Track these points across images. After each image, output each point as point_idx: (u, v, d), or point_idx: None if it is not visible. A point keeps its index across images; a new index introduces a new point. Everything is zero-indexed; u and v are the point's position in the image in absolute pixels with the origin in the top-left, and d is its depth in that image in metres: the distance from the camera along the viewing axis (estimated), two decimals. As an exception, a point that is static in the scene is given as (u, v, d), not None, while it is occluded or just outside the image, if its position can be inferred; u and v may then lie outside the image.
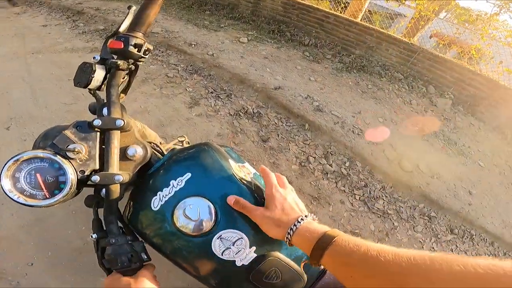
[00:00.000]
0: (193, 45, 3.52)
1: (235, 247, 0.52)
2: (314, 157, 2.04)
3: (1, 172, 0.45)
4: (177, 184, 0.54)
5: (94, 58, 0.57)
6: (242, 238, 0.52)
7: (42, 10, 5.68)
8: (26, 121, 2.24)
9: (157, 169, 0.59)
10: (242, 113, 2.34)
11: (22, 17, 5.34)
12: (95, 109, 0.57)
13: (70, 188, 0.47)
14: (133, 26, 0.57)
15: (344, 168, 2.00)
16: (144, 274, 0.50)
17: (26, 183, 0.46)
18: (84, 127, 0.51)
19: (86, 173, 0.49)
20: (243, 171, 0.62)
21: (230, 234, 0.52)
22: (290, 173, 1.89)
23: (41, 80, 2.84)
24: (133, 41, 0.55)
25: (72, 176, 0.47)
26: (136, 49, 0.56)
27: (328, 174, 1.94)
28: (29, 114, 2.32)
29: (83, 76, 0.54)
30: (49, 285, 1.27)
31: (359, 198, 1.87)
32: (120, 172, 0.51)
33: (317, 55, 3.72)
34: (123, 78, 0.60)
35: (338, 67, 3.43)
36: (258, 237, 0.53)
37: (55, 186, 0.47)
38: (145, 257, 0.52)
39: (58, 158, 0.47)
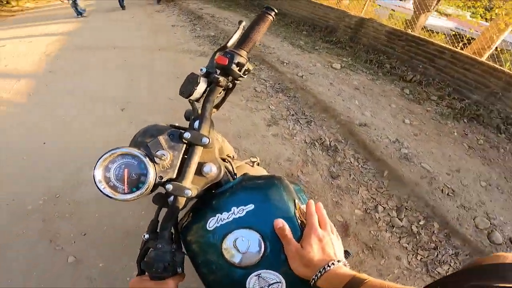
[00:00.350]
0: (285, 64, 3.64)
1: None
2: (384, 207, 1.80)
3: (98, 162, 0.51)
4: (238, 212, 0.55)
5: (201, 70, 0.60)
6: (280, 282, 0.51)
7: (174, 11, 6.90)
8: (137, 107, 2.72)
9: (224, 191, 0.60)
10: (318, 143, 2.26)
11: (160, 15, 6.57)
12: (188, 118, 0.62)
13: (146, 189, 0.51)
14: (240, 43, 0.60)
15: (416, 226, 1.70)
16: (170, 283, 0.51)
17: (114, 175, 0.52)
18: (175, 137, 0.56)
19: (163, 180, 0.53)
20: (303, 212, 0.61)
21: (270, 275, 0.51)
22: (351, 216, 1.71)
23: (159, 74, 3.42)
24: (237, 59, 0.58)
25: (151, 179, 0.51)
26: (238, 68, 0.59)
27: (394, 228, 1.68)
28: (141, 102, 2.82)
29: (188, 86, 0.58)
30: (88, 257, 1.45)
31: (421, 259, 1.56)
32: (190, 187, 0.54)
33: (419, 95, 3.29)
34: (219, 94, 0.63)
35: (443, 112, 2.95)
36: (295, 283, 0.51)
37: (135, 184, 0.51)
38: (180, 270, 0.53)
39: (147, 160, 0.52)
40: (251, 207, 0.56)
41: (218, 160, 0.60)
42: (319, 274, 0.47)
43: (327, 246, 0.52)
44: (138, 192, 0.51)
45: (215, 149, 0.60)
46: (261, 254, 0.52)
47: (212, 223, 0.55)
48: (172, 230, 0.56)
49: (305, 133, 2.38)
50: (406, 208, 1.81)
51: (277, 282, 0.51)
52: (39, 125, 2.39)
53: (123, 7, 7.37)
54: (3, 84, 3.08)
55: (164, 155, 0.53)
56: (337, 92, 3.03)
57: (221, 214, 0.56)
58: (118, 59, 3.85)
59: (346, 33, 5.07)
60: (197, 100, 0.60)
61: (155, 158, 0.53)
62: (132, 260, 1.44)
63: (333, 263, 0.48)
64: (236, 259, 0.52)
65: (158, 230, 0.55)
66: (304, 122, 2.51)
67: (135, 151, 0.52)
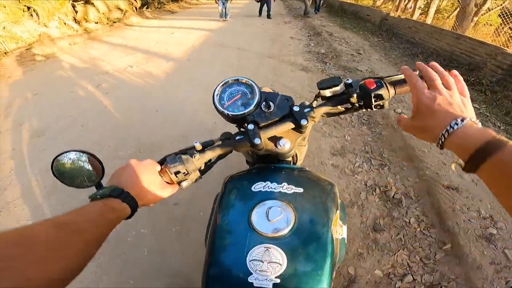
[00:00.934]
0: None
1: (266, 265, 0.50)
2: (415, 279, 1.46)
3: (220, 84, 0.67)
4: (287, 188, 0.59)
5: (347, 80, 0.62)
6: (281, 265, 0.50)
7: (299, 25, 7.40)
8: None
9: (282, 168, 0.67)
10: (380, 190, 2.01)
11: (284, 27, 7.20)
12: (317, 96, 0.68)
13: (248, 111, 0.63)
14: (395, 83, 0.59)
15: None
16: (174, 186, 0.57)
17: (227, 97, 0.67)
18: (285, 104, 0.65)
19: (254, 119, 0.63)
20: (338, 229, 0.62)
21: (277, 254, 0.51)
22: (365, 273, 1.47)
23: (258, 78, 3.83)
24: (382, 91, 0.57)
25: (254, 105, 0.63)
26: (375, 98, 0.58)
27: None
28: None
29: (328, 83, 0.62)
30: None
31: None
32: (261, 142, 0.59)
33: None
34: (340, 107, 0.66)
35: None
36: (289, 280, 0.50)
37: (247, 103, 0.65)
38: (178, 187, 0.59)
39: (258, 88, 0.65)
40: (300, 190, 0.59)
41: (296, 142, 0.67)
42: (446, 133, 0.40)
43: (444, 103, 0.43)
44: (248, 109, 0.62)
45: (300, 135, 0.66)
46: (283, 232, 0.53)
47: (257, 187, 0.60)
48: (210, 162, 0.63)
49: (370, 175, 2.16)
50: None
51: (278, 264, 0.50)
52: (164, 96, 3.22)
53: (269, 16, 8.29)
54: (157, 64, 4.26)
55: (270, 105, 0.63)
56: (429, 144, 2.53)
57: (271, 183, 0.60)
58: (235, 59, 4.55)
59: (494, 75, 4.03)
60: (324, 96, 0.64)
61: (263, 103, 0.64)
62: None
63: (462, 120, 0.40)
64: (259, 224, 0.54)
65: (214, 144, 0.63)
66: (376, 164, 2.28)
67: (253, 82, 0.66)
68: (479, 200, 1.93)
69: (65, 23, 5.78)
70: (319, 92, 0.64)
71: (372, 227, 1.73)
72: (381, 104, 0.60)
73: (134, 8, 7.93)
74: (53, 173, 0.53)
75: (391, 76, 0.60)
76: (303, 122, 0.60)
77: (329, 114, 0.68)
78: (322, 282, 0.50)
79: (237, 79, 0.68)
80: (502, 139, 0.35)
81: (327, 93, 0.63)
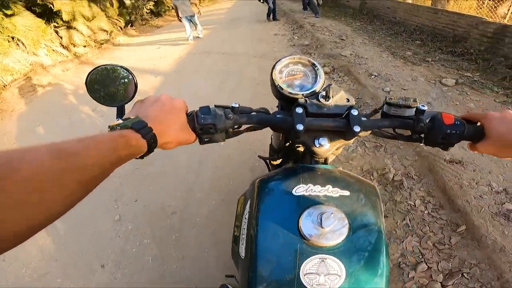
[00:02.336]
0: (372, 77, 3.18)
1: (323, 279, 0.45)
2: (430, 267, 1.31)
3: (283, 59, 0.64)
4: (332, 191, 0.54)
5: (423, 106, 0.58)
6: (340, 277, 0.45)
7: (281, 20, 7.32)
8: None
9: (320, 168, 0.61)
10: (378, 173, 1.87)
11: (269, 24, 7.09)
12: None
13: (320, 84, 0.61)
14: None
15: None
16: (192, 134, 0.52)
17: (286, 72, 0.64)
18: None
19: (306, 103, 0.59)
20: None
21: (334, 265, 0.46)
22: None
23: (245, 79, 3.71)
24: (456, 131, 0.53)
25: (319, 86, 0.61)
26: (445, 137, 0.54)
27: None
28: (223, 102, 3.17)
29: (402, 101, 0.58)
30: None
31: None
32: (304, 128, 0.55)
33: None
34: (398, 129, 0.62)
35: None
36: None
37: (305, 86, 0.62)
38: (201, 139, 0.55)
39: (322, 72, 0.62)
40: (346, 193, 0.54)
41: (337, 146, 0.61)
42: None
43: None
44: (316, 86, 0.60)
45: (342, 142, 0.60)
46: (339, 240, 0.48)
47: (299, 190, 0.54)
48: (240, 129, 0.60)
49: (366, 159, 2.02)
50: (463, 275, 1.26)
51: (337, 275, 0.45)
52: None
53: (275, 18, 7.24)
54: (146, 80, 4.13)
55: (330, 97, 0.58)
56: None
57: (314, 186, 0.54)
58: (222, 64, 4.42)
59: (481, 43, 3.92)
60: (386, 113, 0.60)
61: (323, 93, 0.59)
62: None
63: None
64: (311, 232, 0.48)
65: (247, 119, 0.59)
66: (371, 146, 2.14)
67: (320, 67, 0.64)
68: (488, 172, 1.78)
69: (53, 50, 5.71)
70: (382, 106, 0.59)
71: (375, 215, 1.59)
72: (447, 144, 0.55)
73: (119, 28, 7.88)
74: (86, 85, 0.52)
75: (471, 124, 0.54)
76: (356, 128, 0.53)
77: (379, 133, 0.62)
78: None
79: (305, 60, 0.64)
80: None
81: (391, 111, 0.57)
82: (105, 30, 7.03)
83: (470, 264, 1.32)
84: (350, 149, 2.13)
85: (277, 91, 0.62)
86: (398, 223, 1.53)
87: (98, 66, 0.52)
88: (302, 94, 0.59)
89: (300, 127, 0.53)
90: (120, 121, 0.42)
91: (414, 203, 1.64)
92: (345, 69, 3.51)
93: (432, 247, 1.41)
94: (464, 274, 1.27)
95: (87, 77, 0.52)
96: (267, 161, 1.01)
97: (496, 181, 1.72)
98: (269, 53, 4.66)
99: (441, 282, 1.27)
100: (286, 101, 0.62)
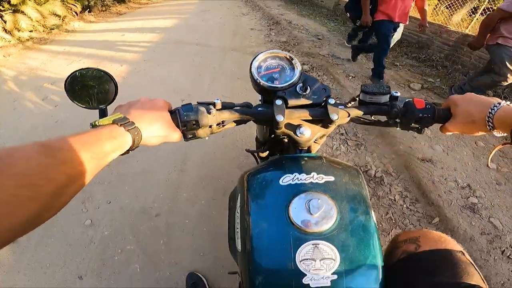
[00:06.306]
0: (350, 77, 3.34)
1: (319, 263, 0.46)
2: None
3: (260, 54, 0.66)
4: (317, 178, 0.55)
5: (394, 94, 0.62)
6: (334, 260, 0.47)
7: (257, 15, 7.24)
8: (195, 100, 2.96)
9: (304, 157, 0.63)
10: (361, 171, 1.98)
11: (244, 18, 6.93)
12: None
13: (297, 76, 0.62)
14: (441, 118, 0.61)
15: None
16: (176, 132, 0.54)
17: (265, 67, 0.66)
18: (322, 90, 0.63)
19: (285, 95, 0.61)
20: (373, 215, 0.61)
21: (327, 249, 0.47)
22: None
23: (223, 73, 3.60)
24: (427, 115, 0.58)
25: (296, 78, 0.62)
26: (419, 121, 0.59)
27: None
28: (201, 97, 3.04)
29: (375, 88, 0.61)
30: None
31: None
32: (283, 120, 0.57)
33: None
34: (376, 115, 0.66)
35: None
36: (347, 274, 0.46)
37: (283, 79, 0.64)
38: (181, 137, 0.57)
39: (297, 63, 0.64)
40: (331, 178, 0.55)
41: (318, 134, 0.63)
42: (491, 115, 0.48)
43: (475, 96, 0.54)
44: (292, 79, 0.62)
45: (322, 130, 0.63)
46: (329, 225, 0.49)
47: (286, 180, 0.55)
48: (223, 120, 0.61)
49: (349, 157, 2.12)
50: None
51: (331, 259, 0.46)
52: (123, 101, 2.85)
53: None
54: (109, 68, 3.80)
55: (307, 88, 0.61)
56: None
57: (299, 174, 0.55)
58: (197, 55, 4.25)
59: (441, 51, 4.31)
60: (363, 101, 0.63)
61: (300, 85, 0.62)
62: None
63: (499, 103, 0.48)
64: (301, 220, 0.49)
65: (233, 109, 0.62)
66: (353, 145, 2.25)
67: (297, 61, 0.65)
68: (454, 170, 1.99)
69: (-8, 34, 4.95)
70: (359, 94, 0.63)
71: (362, 210, 1.68)
72: (419, 128, 0.60)
73: (74, 13, 7.08)
74: (65, 89, 0.52)
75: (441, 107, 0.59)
76: (334, 117, 0.56)
77: (358, 121, 0.66)
78: (377, 269, 0.49)
79: (282, 54, 0.67)
80: None
81: (367, 98, 0.61)
82: (57, 15, 6.31)
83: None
84: (334, 147, 2.21)
85: (256, 84, 0.64)
86: (382, 217, 1.64)
87: (76, 70, 0.52)
88: (281, 87, 0.61)
89: (280, 118, 0.56)
90: (103, 118, 0.44)
91: (394, 198, 1.77)
92: (324, 68, 3.62)
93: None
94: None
95: (65, 81, 0.52)
96: (255, 154, 1.05)
97: (460, 177, 1.93)
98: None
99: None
100: (267, 94, 0.65)
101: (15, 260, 1.44)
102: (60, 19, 6.39)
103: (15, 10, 5.49)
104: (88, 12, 7.63)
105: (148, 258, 1.45)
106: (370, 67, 3.79)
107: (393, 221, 1.62)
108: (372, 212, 0.58)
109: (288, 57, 0.66)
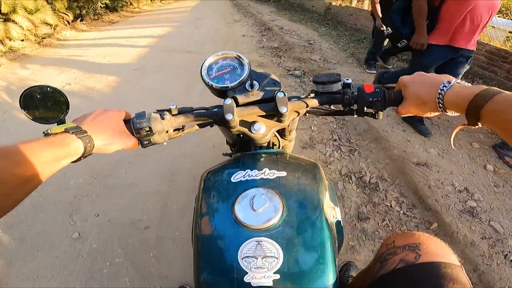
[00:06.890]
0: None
1: (260, 261, 0.44)
2: None
3: (209, 57, 0.66)
4: (269, 174, 0.54)
5: (346, 79, 0.61)
6: (277, 259, 0.45)
7: (249, 22, 7.27)
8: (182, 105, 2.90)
9: (261, 153, 0.63)
10: (356, 177, 1.94)
11: (236, 25, 6.98)
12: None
13: (235, 83, 0.62)
14: (392, 100, 0.60)
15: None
16: (132, 139, 0.56)
17: (216, 69, 0.66)
18: (270, 83, 0.63)
19: (235, 94, 0.62)
20: (331, 211, 0.57)
21: (271, 247, 0.46)
22: (363, 266, 1.37)
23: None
24: (379, 97, 0.57)
25: (244, 77, 0.62)
26: (369, 104, 0.59)
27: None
28: (189, 103, 3.00)
29: (326, 78, 0.60)
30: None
31: None
32: (234, 118, 0.57)
33: None
34: (334, 106, 0.66)
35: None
36: (290, 273, 0.44)
37: (233, 78, 0.63)
38: (139, 144, 0.58)
39: (247, 62, 0.64)
40: (283, 173, 0.55)
41: (274, 129, 0.63)
42: (441, 96, 0.45)
43: (425, 76, 0.51)
44: (237, 81, 0.62)
45: (278, 124, 0.63)
46: (273, 221, 0.47)
47: (237, 176, 0.55)
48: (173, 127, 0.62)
49: (343, 163, 2.08)
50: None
51: (274, 258, 0.45)
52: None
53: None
54: (100, 78, 3.74)
55: (254, 85, 0.61)
56: (396, 120, 2.58)
57: (251, 171, 0.55)
58: (189, 64, 4.22)
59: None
60: (317, 91, 0.62)
61: (248, 82, 0.62)
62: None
63: (449, 82, 0.46)
64: (244, 215, 0.48)
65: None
66: (346, 151, 2.21)
67: (245, 59, 0.65)
68: (450, 173, 1.96)
69: (-17, 44, 4.88)
70: (314, 86, 0.63)
71: (357, 217, 1.64)
72: (373, 112, 0.59)
73: (66, 22, 7.04)
74: (21, 105, 0.54)
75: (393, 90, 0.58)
76: (282, 110, 0.57)
77: (316, 112, 0.66)
78: (327, 269, 0.46)
79: (231, 54, 0.67)
80: (493, 88, 0.40)
81: (320, 88, 0.60)
82: (49, 24, 6.26)
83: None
84: (327, 153, 2.17)
85: (209, 87, 0.65)
86: (379, 224, 1.60)
87: (30, 87, 0.55)
88: (231, 86, 0.62)
89: (229, 116, 0.56)
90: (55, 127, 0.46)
91: (390, 204, 1.72)
92: (316, 73, 3.60)
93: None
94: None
95: (20, 97, 0.54)
96: (231, 156, 1.05)
97: (457, 181, 1.89)
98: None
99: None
100: (221, 95, 0.65)
101: (2, 273, 1.39)
102: (51, 28, 6.35)
103: (6, 19, 5.43)
104: (80, 21, 7.60)
105: (138, 271, 1.40)
106: (362, 70, 3.79)
107: (390, 228, 1.57)
108: (338, 210, 0.58)
109: (236, 56, 0.66)
